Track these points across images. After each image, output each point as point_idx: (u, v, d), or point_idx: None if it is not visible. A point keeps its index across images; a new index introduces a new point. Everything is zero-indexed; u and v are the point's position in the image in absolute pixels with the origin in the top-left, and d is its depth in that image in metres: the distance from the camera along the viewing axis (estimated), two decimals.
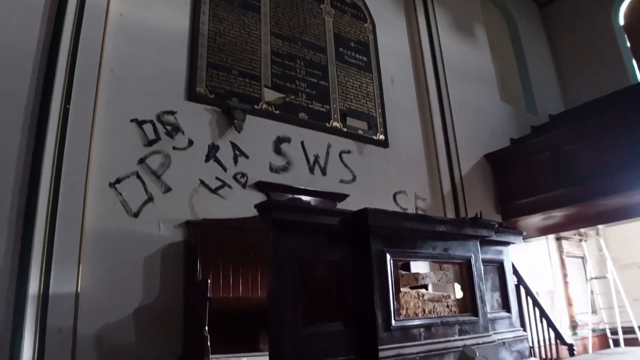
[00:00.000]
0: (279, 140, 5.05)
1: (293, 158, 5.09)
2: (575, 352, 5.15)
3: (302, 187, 4.92)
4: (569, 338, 7.22)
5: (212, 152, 4.57)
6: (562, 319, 7.58)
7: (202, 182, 4.44)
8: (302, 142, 5.21)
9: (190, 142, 4.49)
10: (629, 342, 7.61)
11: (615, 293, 7.93)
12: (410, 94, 6.68)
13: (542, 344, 5.34)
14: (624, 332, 7.75)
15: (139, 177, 4.11)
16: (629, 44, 9.81)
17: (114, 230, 3.88)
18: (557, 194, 6.62)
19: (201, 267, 4.11)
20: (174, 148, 4.37)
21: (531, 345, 4.97)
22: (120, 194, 3.98)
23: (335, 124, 5.59)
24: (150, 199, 4.11)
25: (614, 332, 7.84)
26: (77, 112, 3.88)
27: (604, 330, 8.02)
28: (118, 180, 4.00)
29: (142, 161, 4.17)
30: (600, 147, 6.44)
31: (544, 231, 7.15)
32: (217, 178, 4.53)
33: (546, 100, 9.60)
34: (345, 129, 5.66)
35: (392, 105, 6.29)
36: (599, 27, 9.99)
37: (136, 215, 4.02)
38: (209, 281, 3.80)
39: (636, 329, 7.63)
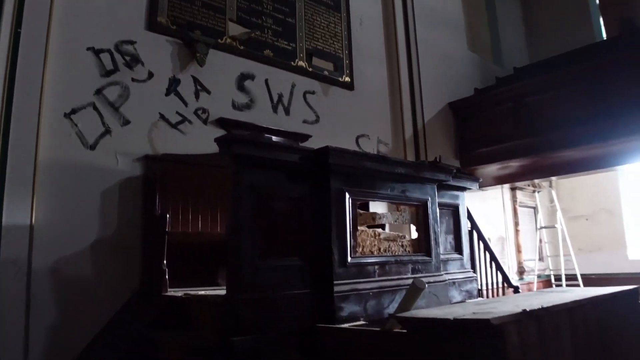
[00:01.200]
0: (243, 77, 4.95)
1: (256, 96, 5.01)
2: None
3: (265, 126, 4.87)
4: (515, 282, 7.62)
5: (172, 86, 4.45)
6: (511, 264, 7.95)
7: (162, 116, 4.33)
8: (266, 80, 5.12)
9: (150, 75, 4.34)
10: None
11: (562, 242, 8.33)
12: (378, 37, 6.59)
13: (490, 286, 5.61)
14: (567, 279, 8.20)
15: (95, 108, 3.97)
16: (597, 1, 9.89)
17: (70, 163, 3.77)
18: (515, 145, 6.77)
19: (160, 202, 4.07)
20: (132, 80, 4.21)
21: (480, 286, 5.22)
22: (76, 125, 3.85)
23: (301, 63, 5.50)
24: (107, 131, 3.99)
25: (558, 278, 8.28)
26: (29, 37, 3.67)
27: (549, 276, 8.47)
28: (73, 111, 3.86)
29: (99, 92, 4.01)
30: (560, 101, 6.57)
31: (500, 180, 7.35)
32: (177, 113, 4.43)
33: (512, 52, 9.67)
34: (310, 69, 5.58)
35: (359, 47, 6.20)
36: None
37: (92, 147, 3.91)
38: (168, 216, 3.79)
39: (579, 277, 8.10)
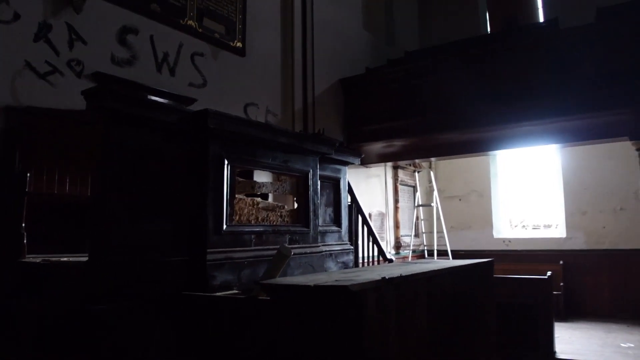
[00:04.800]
0: (125, 30, 4.60)
1: (139, 52, 4.69)
2: None
3: (147, 85, 4.58)
4: (392, 255, 8.02)
5: (42, 31, 4.02)
6: (389, 239, 8.34)
7: (29, 64, 3.91)
8: (151, 37, 4.81)
9: (17, 16, 3.88)
10: None
11: (436, 220, 8.89)
12: (275, 5, 6.45)
13: (368, 258, 5.84)
14: (439, 254, 8.79)
15: None
16: None
17: None
18: (400, 125, 7.06)
19: (21, 159, 3.69)
20: None
21: (358, 259, 5.41)
22: None
23: (191, 22, 5.23)
24: None
25: (431, 253, 8.85)
26: None
27: (423, 251, 9.02)
28: None
29: None
30: (445, 87, 6.92)
31: (384, 158, 7.64)
32: (47, 62, 4.02)
33: (406, 35, 10.00)
34: (200, 30, 5.33)
35: (254, 12, 6.02)
36: None
37: None
38: (29, 175, 3.46)
39: (449, 252, 8.70)
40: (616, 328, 7.11)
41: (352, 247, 4.45)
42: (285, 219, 3.58)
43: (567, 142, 6.88)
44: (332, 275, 2.24)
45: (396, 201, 8.56)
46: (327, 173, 4.09)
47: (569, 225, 8.75)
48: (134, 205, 2.66)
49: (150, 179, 2.77)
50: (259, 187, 3.55)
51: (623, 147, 6.00)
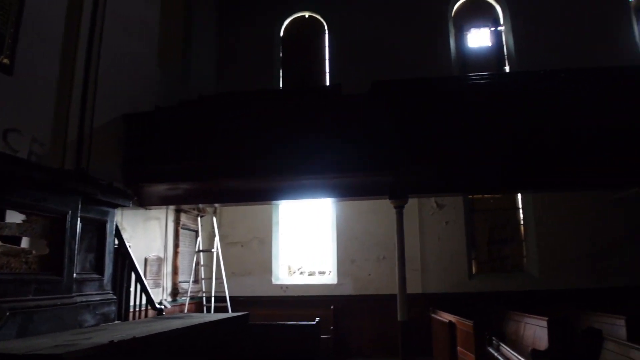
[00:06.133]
0: None
1: None
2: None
3: None
4: (168, 303, 7.66)
5: None
6: (166, 285, 7.96)
7: None
8: None
9: None
10: (220, 309, 8.54)
11: (216, 266, 8.81)
12: (58, 21, 5.84)
13: (137, 308, 5.44)
14: (218, 301, 8.66)
15: None
16: (281, 55, 11.18)
17: None
18: (187, 168, 6.90)
19: None
20: None
21: (123, 309, 5.00)
22: None
23: None
24: None
25: (209, 300, 8.67)
26: None
27: (201, 298, 8.78)
28: None
29: None
30: (234, 134, 7.02)
31: (167, 201, 7.34)
32: None
33: (202, 78, 10.01)
34: None
35: (31, 27, 5.32)
36: (263, 32, 11.07)
37: None
38: None
39: (227, 299, 8.63)
40: None
41: (114, 297, 4.10)
42: (32, 266, 3.14)
43: (340, 197, 7.51)
44: (59, 337, 1.98)
45: (176, 246, 8.25)
46: (91, 215, 3.74)
47: (340, 272, 9.46)
48: None
49: None
50: (1, 228, 3.06)
51: (386, 204, 6.76)
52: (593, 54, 9.28)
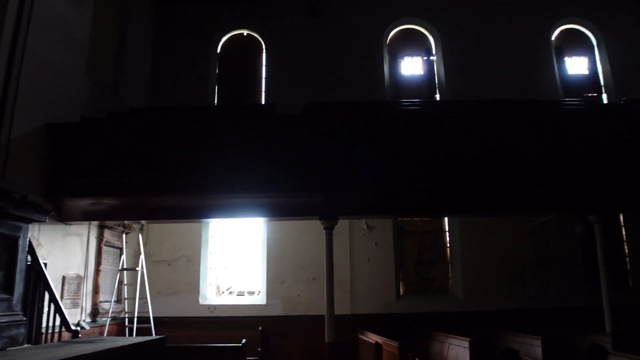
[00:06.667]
0: None
1: None
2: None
3: None
4: (87, 324, 7.28)
5: None
6: (86, 305, 7.56)
7: None
8: None
9: None
10: (143, 331, 8.17)
11: (140, 285, 8.48)
12: None
13: (51, 329, 5.11)
14: (141, 322, 8.30)
15: None
16: (218, 71, 11.09)
17: None
18: (114, 182, 6.64)
19: None
20: None
21: (35, 331, 4.68)
22: None
23: None
24: None
25: (132, 321, 8.30)
26: None
27: (124, 319, 8.40)
28: None
29: None
30: (163, 149, 6.86)
31: (90, 216, 7.01)
32: None
33: (133, 90, 9.74)
34: None
35: None
36: (200, 47, 10.96)
37: None
38: None
39: (151, 320, 8.31)
40: None
41: (24, 319, 3.85)
42: None
43: (272, 216, 7.50)
44: None
45: (99, 263, 7.86)
46: (1, 230, 3.50)
47: (269, 293, 9.35)
48: None
49: None
50: None
51: (317, 224, 6.79)
52: (517, 87, 9.96)
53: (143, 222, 8.65)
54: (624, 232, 10.15)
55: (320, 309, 7.67)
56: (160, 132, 7.02)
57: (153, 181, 6.71)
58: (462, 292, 9.48)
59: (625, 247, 10.09)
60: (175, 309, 9.21)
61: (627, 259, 9.97)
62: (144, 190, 6.74)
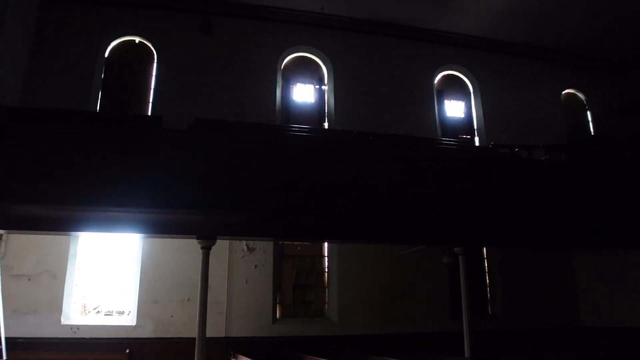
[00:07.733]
0: None
1: None
2: None
3: None
4: None
5: None
6: None
7: None
8: None
9: None
10: None
11: None
12: None
13: None
14: None
15: None
16: (103, 76, 10.54)
17: None
18: None
19: None
20: None
21: None
22: None
23: None
24: None
25: None
26: None
27: None
28: None
29: None
30: (33, 154, 6.34)
31: None
32: None
33: (5, 88, 8.98)
34: None
35: None
36: (86, 50, 10.38)
37: None
38: None
39: (3, 341, 7.52)
40: None
41: None
42: None
43: (148, 233, 7.15)
44: None
45: None
46: None
47: (140, 313, 8.89)
48: None
49: None
50: None
51: (195, 243, 6.60)
52: (401, 122, 10.61)
53: (2, 231, 7.87)
54: (486, 264, 11.08)
55: (194, 331, 7.43)
56: (30, 135, 6.48)
57: (15, 187, 6.15)
58: (337, 316, 9.71)
59: (487, 277, 11.01)
60: (33, 329, 8.41)
61: (488, 288, 10.88)
62: (3, 197, 6.15)
